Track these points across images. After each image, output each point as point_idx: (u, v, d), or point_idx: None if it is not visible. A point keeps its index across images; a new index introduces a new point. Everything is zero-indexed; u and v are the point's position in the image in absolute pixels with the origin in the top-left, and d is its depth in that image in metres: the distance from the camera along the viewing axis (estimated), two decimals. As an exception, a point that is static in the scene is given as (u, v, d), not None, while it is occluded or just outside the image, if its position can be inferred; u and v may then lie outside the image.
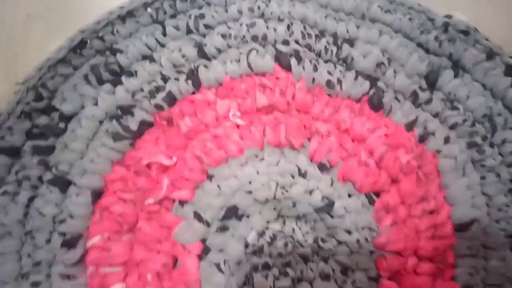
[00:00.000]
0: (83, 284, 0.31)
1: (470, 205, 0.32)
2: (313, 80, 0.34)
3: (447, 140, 0.33)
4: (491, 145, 0.33)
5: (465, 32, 0.34)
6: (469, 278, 0.31)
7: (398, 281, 0.32)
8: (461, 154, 0.33)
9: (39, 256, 0.31)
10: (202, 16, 0.36)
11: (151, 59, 0.35)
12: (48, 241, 0.32)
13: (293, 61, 0.34)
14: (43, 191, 0.33)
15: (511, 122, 0.33)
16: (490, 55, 0.34)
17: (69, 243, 0.32)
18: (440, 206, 0.33)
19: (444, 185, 0.33)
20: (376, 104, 0.34)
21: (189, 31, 0.36)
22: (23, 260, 0.31)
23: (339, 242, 0.33)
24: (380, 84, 0.35)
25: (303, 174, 0.33)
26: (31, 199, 0.32)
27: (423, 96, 0.34)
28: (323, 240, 0.33)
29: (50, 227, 0.32)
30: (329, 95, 0.35)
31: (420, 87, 0.35)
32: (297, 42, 0.35)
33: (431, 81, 0.35)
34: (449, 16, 0.35)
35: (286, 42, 0.35)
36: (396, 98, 0.35)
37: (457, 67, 0.35)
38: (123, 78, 0.34)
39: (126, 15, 0.36)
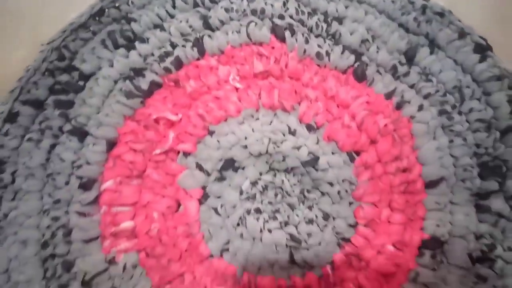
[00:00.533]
0: (97, 221, 0.35)
1: (439, 165, 0.35)
2: (304, 51, 0.37)
3: (420, 107, 0.36)
4: (459, 113, 0.36)
5: (441, 14, 0.37)
6: (436, 229, 0.35)
7: (373, 228, 0.35)
8: (432, 120, 0.36)
9: (59, 195, 0.35)
10: None
11: (162, 28, 0.38)
12: (67, 183, 0.35)
13: (287, 34, 0.37)
14: (63, 139, 0.36)
15: (478, 93, 0.36)
16: (462, 34, 0.36)
17: (85, 186, 0.35)
18: (412, 165, 0.35)
19: (417, 147, 0.36)
20: (360, 76, 0.37)
21: (196, 5, 0.38)
22: (44, 199, 0.35)
23: (322, 193, 0.36)
24: (364, 58, 0.38)
25: (292, 133, 0.36)
26: (52, 146, 0.36)
27: (402, 69, 0.37)
28: (308, 191, 0.36)
29: (69, 171, 0.35)
30: (318, 65, 0.37)
31: (400, 62, 0.37)
32: (291, 17, 0.37)
33: (409, 57, 0.37)
34: (427, 0, 0.39)
35: (281, 17, 0.37)
36: (378, 71, 0.38)
37: (433, 45, 0.37)
38: (136, 44, 0.37)
39: None
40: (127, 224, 0.35)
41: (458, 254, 0.34)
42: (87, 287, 0.34)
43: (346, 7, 0.39)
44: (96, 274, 0.34)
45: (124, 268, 0.34)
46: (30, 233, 0.34)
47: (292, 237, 0.35)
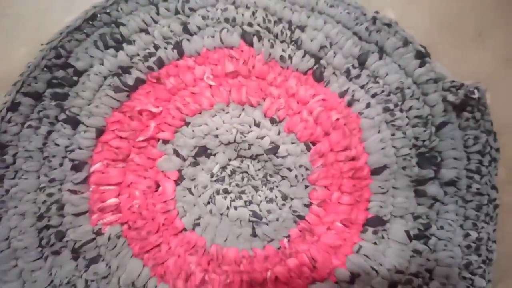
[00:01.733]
0: (86, 198, 0.38)
1: (382, 155, 0.39)
2: (270, 54, 0.40)
3: (368, 105, 0.39)
4: (401, 110, 0.39)
5: (388, 25, 0.40)
6: (379, 210, 0.39)
7: (324, 208, 0.39)
8: (377, 116, 0.39)
9: (53, 175, 0.38)
10: (187, 1, 0.41)
11: (146, 31, 0.41)
12: (61, 164, 0.38)
13: (255, 39, 0.40)
14: (58, 127, 0.39)
15: (417, 93, 0.39)
16: (405, 43, 0.40)
17: (77, 167, 0.38)
18: (359, 154, 0.39)
19: (364, 139, 0.39)
20: (318, 77, 0.41)
21: (177, 12, 0.41)
22: (41, 178, 0.38)
23: (282, 177, 0.40)
24: (322, 61, 0.41)
25: (257, 125, 0.40)
26: (49, 133, 0.39)
27: (354, 72, 0.40)
28: (270, 175, 0.41)
29: (63, 154, 0.39)
30: (281, 67, 0.41)
31: (353, 66, 0.40)
32: (259, 25, 0.40)
33: (361, 61, 0.41)
34: (377, 12, 0.42)
35: (250, 24, 0.40)
36: (334, 73, 0.41)
37: (381, 51, 0.40)
38: (124, 45, 0.40)
39: None
40: (112, 201, 0.38)
41: (398, 232, 0.38)
42: (77, 254, 0.38)
43: (308, 16, 0.42)
44: (84, 243, 0.37)
45: (109, 238, 0.38)
46: (28, 207, 0.38)
47: (254, 213, 0.39)
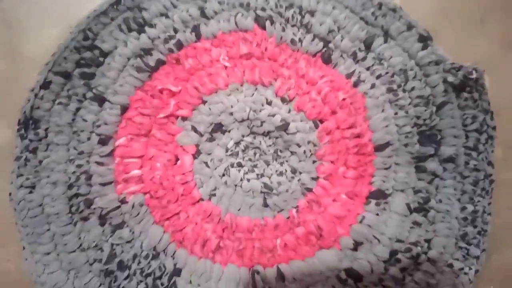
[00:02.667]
0: (112, 169, 0.41)
1: (386, 132, 0.40)
2: (281, 38, 0.42)
3: (373, 86, 0.41)
4: (404, 90, 0.41)
5: (394, 10, 0.42)
6: (382, 184, 0.40)
7: (331, 181, 0.41)
8: (381, 96, 0.41)
9: (82, 148, 0.40)
10: None
11: (167, 16, 0.42)
12: (89, 138, 0.40)
13: (267, 23, 0.41)
14: (86, 104, 0.41)
15: (419, 75, 0.40)
16: (409, 27, 0.41)
17: (103, 141, 0.40)
18: (364, 132, 0.41)
19: (368, 117, 0.41)
20: (326, 59, 0.42)
21: None
22: (71, 151, 0.40)
23: (292, 153, 0.42)
24: (330, 45, 0.42)
25: (269, 103, 0.41)
26: (77, 109, 0.41)
27: (360, 55, 0.42)
28: (280, 151, 0.42)
29: (90, 129, 0.41)
30: (292, 50, 0.42)
31: (359, 49, 0.42)
32: (271, 9, 0.42)
33: (367, 45, 0.42)
34: None
35: (263, 9, 0.42)
36: (341, 56, 0.42)
37: (386, 35, 0.42)
38: (146, 28, 0.42)
39: None
40: (135, 172, 0.41)
41: (399, 204, 0.40)
42: (103, 220, 0.40)
43: (318, 2, 0.43)
44: (110, 210, 0.40)
45: (133, 206, 0.40)
46: (59, 176, 0.40)
47: (265, 185, 0.41)
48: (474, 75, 0.38)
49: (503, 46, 0.43)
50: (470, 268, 0.39)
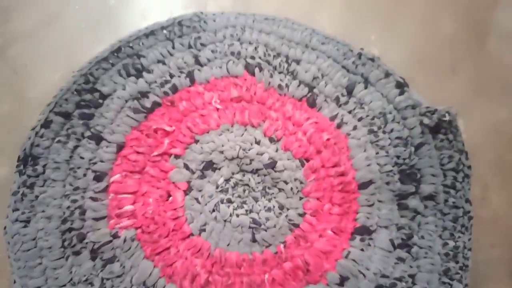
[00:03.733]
0: (105, 205, 0.41)
1: (368, 171, 0.42)
2: (269, 83, 0.45)
3: (355, 127, 0.44)
4: (384, 132, 0.43)
5: (372, 59, 0.45)
6: (366, 220, 0.42)
7: (317, 217, 0.42)
8: (363, 136, 0.43)
9: (77, 184, 0.41)
10: (199, 37, 0.46)
11: (163, 62, 0.45)
12: (85, 175, 0.42)
13: (256, 70, 0.45)
14: (84, 143, 0.43)
15: (397, 118, 0.43)
16: (387, 75, 0.45)
17: (98, 178, 0.42)
18: (348, 170, 0.43)
19: (351, 156, 0.43)
20: (311, 103, 0.45)
21: (190, 47, 0.46)
22: (67, 186, 0.41)
23: (279, 189, 0.43)
24: (315, 90, 0.45)
25: (258, 142, 0.43)
26: (75, 147, 0.43)
27: (343, 99, 0.45)
28: (269, 188, 0.44)
29: (86, 166, 0.42)
30: (279, 94, 0.45)
31: (342, 94, 0.45)
32: (260, 58, 0.45)
33: (349, 90, 0.45)
34: (362, 49, 0.48)
35: (252, 57, 0.45)
36: (325, 100, 0.45)
37: (366, 82, 0.45)
38: (144, 74, 0.44)
39: (149, 33, 0.46)
40: (128, 207, 0.42)
41: (383, 240, 0.41)
42: (95, 255, 0.40)
43: (303, 52, 0.47)
44: (102, 245, 0.40)
45: (124, 240, 0.40)
46: (54, 211, 0.41)
47: (254, 220, 0.42)
48: (447, 117, 0.41)
49: (474, 91, 0.47)
50: (454, 303, 0.39)
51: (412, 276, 0.40)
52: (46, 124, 0.43)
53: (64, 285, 0.39)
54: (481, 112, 0.47)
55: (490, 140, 0.46)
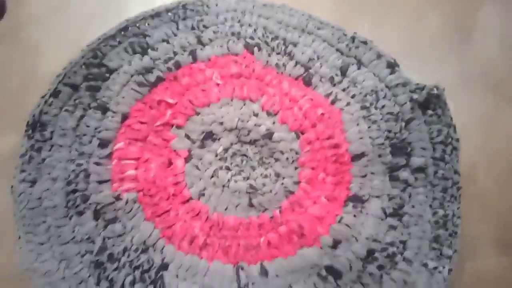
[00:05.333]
0: (109, 169, 0.44)
1: (361, 143, 0.45)
2: (267, 62, 0.48)
3: (348, 103, 0.47)
4: (376, 108, 0.46)
5: (365, 42, 0.49)
6: (359, 190, 0.44)
7: (312, 185, 0.45)
8: (356, 112, 0.46)
9: (83, 150, 0.44)
10: (202, 20, 0.50)
11: (168, 42, 0.49)
12: (90, 142, 0.45)
13: (255, 49, 0.48)
14: (90, 112, 0.45)
15: (389, 95, 0.46)
16: (378, 56, 0.48)
17: (103, 144, 0.44)
18: (341, 143, 0.45)
19: (345, 130, 0.46)
20: (307, 82, 0.48)
21: (193, 28, 0.50)
22: (72, 152, 0.44)
23: (276, 159, 0.46)
24: (311, 71, 0.48)
25: (255, 115, 0.46)
26: (82, 117, 0.45)
27: (337, 79, 0.48)
28: (266, 158, 0.47)
29: (92, 134, 0.45)
30: (277, 72, 0.48)
31: (336, 74, 0.48)
32: (259, 38, 0.49)
33: (343, 71, 0.48)
34: (355, 33, 0.52)
35: (252, 38, 0.49)
36: (320, 80, 0.48)
37: (359, 63, 0.49)
38: (149, 51, 0.48)
39: (155, 15, 0.50)
40: (131, 172, 0.44)
41: (375, 208, 0.44)
42: (97, 215, 0.43)
43: (299, 36, 0.51)
44: (105, 205, 0.42)
45: (126, 202, 0.43)
46: (59, 173, 0.43)
47: (251, 186, 0.44)
48: (435, 91, 0.45)
49: (461, 80, 0.51)
50: (444, 267, 0.42)
51: (403, 242, 0.43)
52: (55, 93, 0.46)
53: (67, 243, 0.41)
54: (468, 99, 0.50)
55: (477, 124, 0.50)
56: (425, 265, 0.42)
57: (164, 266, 0.41)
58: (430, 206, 0.45)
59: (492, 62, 0.53)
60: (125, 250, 0.41)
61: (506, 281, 0.44)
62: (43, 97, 0.45)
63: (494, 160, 0.48)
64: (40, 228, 0.41)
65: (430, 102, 0.46)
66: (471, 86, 0.51)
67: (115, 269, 0.40)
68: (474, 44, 0.54)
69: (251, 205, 0.44)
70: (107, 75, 0.48)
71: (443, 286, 0.41)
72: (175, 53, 0.49)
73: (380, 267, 0.41)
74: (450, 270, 0.42)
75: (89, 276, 0.40)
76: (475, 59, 0.53)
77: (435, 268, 0.41)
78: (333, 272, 0.41)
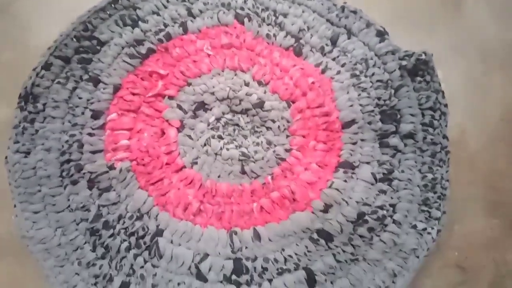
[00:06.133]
0: (102, 140, 0.45)
1: (351, 111, 0.46)
2: (258, 32, 0.48)
3: (338, 72, 0.47)
4: (365, 76, 0.47)
5: (354, 12, 0.49)
6: (349, 157, 0.45)
7: (303, 153, 0.46)
8: (346, 80, 0.47)
9: (76, 121, 0.45)
10: None
11: (158, 14, 0.49)
12: (83, 113, 0.45)
13: (245, 20, 0.48)
14: (82, 85, 0.46)
15: (378, 63, 0.47)
16: (368, 25, 0.49)
17: (96, 116, 0.45)
18: (332, 111, 0.46)
19: (335, 98, 0.47)
20: (298, 52, 0.49)
21: (183, 0, 0.51)
22: (65, 124, 0.45)
23: (267, 128, 0.46)
24: (301, 41, 0.49)
25: (247, 84, 0.47)
26: (74, 89, 0.46)
27: (327, 49, 0.48)
28: (257, 127, 0.48)
29: (84, 105, 0.45)
30: (267, 43, 0.49)
31: (326, 44, 0.49)
32: (249, 9, 0.49)
33: (333, 41, 0.49)
34: (345, 2, 0.53)
35: (242, 9, 0.49)
36: (311, 50, 0.49)
37: (349, 33, 0.49)
38: (139, 23, 0.48)
39: None
40: (124, 142, 0.45)
41: (365, 173, 0.45)
42: (91, 184, 0.44)
43: (289, 7, 0.51)
44: (99, 174, 0.43)
45: (120, 171, 0.44)
46: (53, 144, 0.44)
47: (243, 153, 0.45)
48: (424, 57, 0.46)
49: (451, 48, 0.52)
50: (432, 228, 0.43)
51: (392, 205, 0.44)
52: (47, 66, 0.46)
53: (62, 211, 0.42)
54: (458, 66, 0.51)
55: (466, 91, 0.51)
56: (414, 226, 0.43)
57: (159, 233, 0.42)
58: (419, 170, 0.46)
59: (482, 30, 0.53)
60: (120, 217, 0.42)
61: (494, 242, 0.45)
62: (34, 69, 0.45)
63: (483, 125, 0.49)
64: (35, 197, 0.42)
65: (419, 69, 0.47)
66: (460, 54, 0.52)
67: (111, 236, 0.41)
68: (464, 12, 0.54)
69: (243, 172, 0.45)
70: (98, 47, 0.48)
71: (432, 246, 0.42)
72: (165, 25, 0.49)
73: (370, 229, 0.42)
74: (438, 231, 0.43)
75: (85, 243, 0.41)
76: (465, 27, 0.54)
77: (424, 229, 0.43)
78: (325, 235, 0.42)
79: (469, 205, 0.47)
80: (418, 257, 0.41)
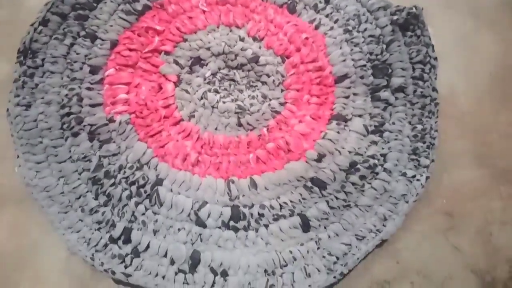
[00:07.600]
0: (101, 94, 0.47)
1: (344, 65, 0.48)
2: None
3: (331, 28, 0.49)
4: (358, 31, 0.49)
5: None
6: (342, 110, 0.47)
7: (297, 106, 0.48)
8: (339, 36, 0.49)
9: (74, 75, 0.46)
10: None
11: None
12: (81, 68, 0.47)
13: None
14: (79, 41, 0.47)
15: (370, 19, 0.49)
16: None
17: (94, 71, 0.46)
18: (325, 65, 0.48)
19: (328, 53, 0.49)
20: (291, 9, 0.50)
21: None
22: (64, 78, 0.46)
23: (262, 83, 0.48)
24: None
25: (242, 40, 0.48)
26: (72, 44, 0.47)
27: (321, 6, 0.50)
28: (253, 82, 0.51)
29: (82, 61, 0.47)
30: (262, 0, 0.51)
31: (320, 1, 0.50)
32: None
33: None
34: None
35: None
36: (304, 7, 0.51)
37: None
38: None
39: None
40: (123, 96, 0.46)
41: (357, 125, 0.47)
42: (92, 136, 0.45)
43: (282, -34, 0.53)
44: (99, 127, 0.45)
45: (120, 123, 0.45)
46: (53, 97, 0.45)
47: (239, 106, 0.47)
48: (414, 10, 0.48)
49: (442, 5, 0.54)
50: (421, 175, 0.46)
51: (383, 155, 0.46)
52: (44, 22, 0.47)
53: (64, 161, 0.44)
54: (449, 23, 0.53)
55: (457, 48, 0.53)
56: (404, 174, 0.45)
57: (159, 182, 0.44)
58: (409, 122, 0.48)
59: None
60: (120, 167, 0.44)
61: (481, 191, 0.47)
62: (32, 25, 0.46)
63: (473, 81, 0.51)
64: (37, 148, 0.44)
65: (410, 23, 0.49)
66: (451, 11, 0.53)
67: (112, 185, 0.43)
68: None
69: (239, 124, 0.47)
70: (94, 4, 0.49)
71: (421, 191, 0.44)
72: (160, -17, 0.50)
73: (362, 177, 0.45)
74: (427, 178, 0.45)
75: (87, 191, 0.43)
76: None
77: (413, 176, 0.45)
78: (318, 183, 0.44)
79: (458, 157, 0.49)
80: (407, 202, 0.44)
